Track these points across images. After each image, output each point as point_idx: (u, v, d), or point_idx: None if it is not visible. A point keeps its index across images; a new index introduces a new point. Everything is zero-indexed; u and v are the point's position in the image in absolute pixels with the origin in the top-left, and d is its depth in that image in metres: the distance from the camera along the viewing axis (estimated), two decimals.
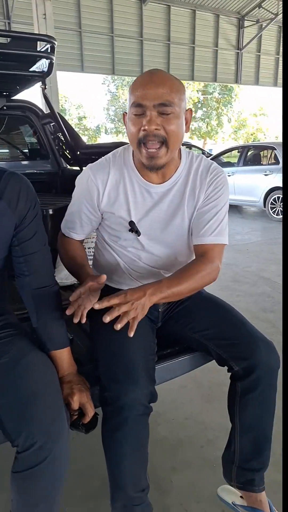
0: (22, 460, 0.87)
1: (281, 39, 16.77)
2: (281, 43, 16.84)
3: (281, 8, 14.82)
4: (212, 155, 9.94)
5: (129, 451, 1.04)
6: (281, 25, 16.35)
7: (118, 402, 1.03)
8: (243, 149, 8.11)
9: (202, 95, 29.11)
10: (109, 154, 1.29)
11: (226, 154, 9.13)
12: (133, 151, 1.25)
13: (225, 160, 9.23)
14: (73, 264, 1.24)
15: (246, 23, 15.61)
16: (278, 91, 19.16)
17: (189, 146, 14.27)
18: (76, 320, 1.00)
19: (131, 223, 1.24)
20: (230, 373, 1.24)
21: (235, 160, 8.18)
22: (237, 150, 8.46)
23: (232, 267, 4.40)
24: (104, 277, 1.03)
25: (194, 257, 1.29)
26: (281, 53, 17.04)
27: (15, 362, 1.00)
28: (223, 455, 1.31)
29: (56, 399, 0.97)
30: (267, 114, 32.12)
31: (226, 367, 1.24)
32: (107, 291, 1.28)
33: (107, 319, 0.95)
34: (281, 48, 16.93)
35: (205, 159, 1.30)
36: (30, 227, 1.06)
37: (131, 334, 0.98)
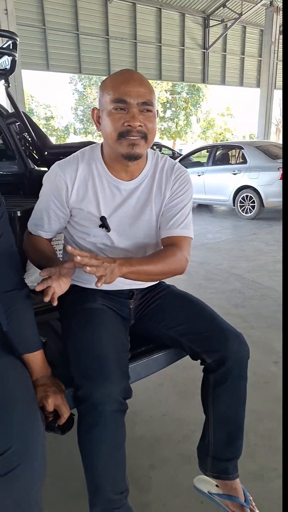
0: None
1: (245, 39, 17.13)
2: (246, 44, 17.21)
3: (245, 8, 15.14)
4: (182, 155, 10.02)
5: (105, 450, 1.04)
6: (245, 25, 16.70)
7: (91, 399, 1.02)
8: (211, 149, 8.20)
9: (170, 95, 29.32)
10: (76, 152, 1.30)
11: (195, 154, 9.23)
12: (101, 149, 1.27)
13: (195, 159, 9.33)
14: (42, 257, 1.22)
15: (212, 23, 15.79)
16: (244, 91, 19.56)
17: (160, 146, 14.33)
18: (46, 299, 0.99)
19: (102, 218, 1.26)
20: (203, 367, 1.27)
21: (205, 160, 8.28)
22: (206, 150, 8.55)
23: (204, 265, 4.46)
24: (77, 252, 1.00)
25: None
26: (246, 53, 17.39)
27: None
28: (198, 447, 1.35)
29: (30, 403, 0.96)
30: (233, 114, 32.72)
31: (199, 361, 1.26)
32: (75, 292, 1.28)
33: (87, 269, 0.97)
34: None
35: (169, 159, 1.35)
36: None
37: (99, 284, 0.99)
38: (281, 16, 14.17)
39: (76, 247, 1.32)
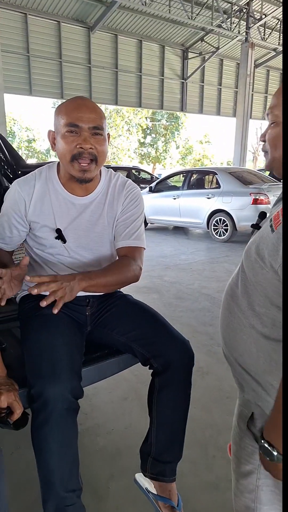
0: None
1: (222, 71, 17.91)
2: (223, 75, 17.98)
3: (222, 43, 15.92)
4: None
5: (56, 447, 1.09)
6: (222, 58, 17.50)
7: (42, 397, 1.08)
8: (187, 174, 8.46)
9: (150, 121, 30.11)
10: (34, 171, 1.41)
11: (173, 178, 9.48)
12: (57, 168, 1.37)
13: (172, 183, 9.58)
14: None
15: (190, 55, 16.52)
16: (221, 120, 20.26)
17: (138, 170, 14.62)
18: None
19: (58, 230, 1.35)
20: (151, 371, 1.33)
21: (180, 184, 8.53)
22: (182, 175, 8.81)
23: (176, 285, 4.57)
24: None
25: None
26: (223, 84, 18.15)
27: None
28: (141, 448, 1.39)
29: None
30: (211, 141, 33.75)
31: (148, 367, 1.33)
32: (34, 299, 1.35)
33: (43, 303, 1.06)
34: (228, 79, 18.05)
35: (122, 176, 1.46)
36: None
37: (55, 311, 1.09)
38: (255, 52, 14.97)
39: (36, 258, 1.40)
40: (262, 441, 0.79)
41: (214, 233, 7.44)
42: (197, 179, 8.41)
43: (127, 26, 14.07)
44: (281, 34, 15.42)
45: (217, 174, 7.56)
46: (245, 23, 14.26)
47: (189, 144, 32.48)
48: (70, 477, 1.12)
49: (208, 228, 7.58)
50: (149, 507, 1.49)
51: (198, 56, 16.54)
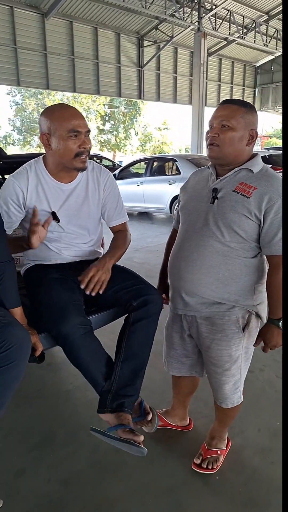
0: None
1: (177, 59, 18.25)
2: (178, 64, 18.32)
3: (175, 31, 16.23)
4: (121, 166, 10.56)
5: (88, 358, 1.53)
6: (177, 46, 17.82)
7: (61, 335, 1.48)
8: (149, 161, 8.82)
9: (109, 108, 30.03)
10: (24, 165, 1.74)
11: (134, 166, 9.82)
12: (44, 161, 1.72)
13: (134, 171, 9.92)
14: (12, 241, 1.65)
15: (146, 43, 16.73)
16: (178, 108, 20.59)
17: (100, 158, 14.79)
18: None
19: (53, 213, 1.71)
20: (128, 314, 1.68)
21: (143, 171, 8.88)
22: (144, 162, 9.16)
23: (145, 265, 4.98)
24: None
25: (101, 233, 1.94)
26: (178, 73, 18.50)
27: None
28: (101, 389, 1.57)
29: (24, 327, 1.42)
30: (170, 128, 34.16)
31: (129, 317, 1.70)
32: (38, 269, 1.76)
33: (93, 294, 1.60)
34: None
35: (94, 162, 1.85)
36: None
37: (101, 291, 1.61)
38: (207, 41, 15.41)
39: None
40: (276, 321, 1.51)
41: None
42: (159, 166, 8.79)
43: (82, 13, 14.05)
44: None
45: (177, 161, 7.98)
46: (197, 13, 14.62)
47: (148, 131, 32.75)
48: (108, 369, 1.57)
49: (171, 213, 8.01)
50: None
51: (153, 44, 16.78)
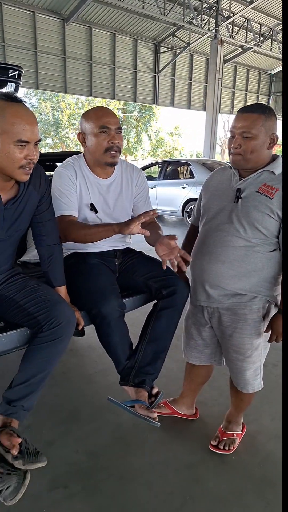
0: (44, 337, 1.41)
1: (193, 66, 18.42)
2: (193, 70, 18.49)
3: (192, 38, 16.41)
4: None
5: (117, 339, 1.65)
6: (193, 53, 18.00)
7: (100, 314, 1.61)
8: (163, 165, 8.99)
9: (122, 113, 30.30)
10: (68, 159, 1.87)
11: (147, 170, 9.98)
12: (84, 158, 1.86)
13: (147, 174, 10.06)
14: (90, 227, 1.73)
15: (162, 49, 16.94)
16: (191, 114, 20.74)
17: None
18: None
19: (91, 204, 1.85)
20: (157, 300, 1.81)
21: (156, 175, 9.02)
22: (157, 166, 9.30)
23: None
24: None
25: None
26: (193, 79, 18.68)
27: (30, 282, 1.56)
28: (125, 364, 1.70)
29: (69, 305, 1.54)
30: (181, 134, 34.30)
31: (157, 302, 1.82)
32: (76, 256, 1.88)
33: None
34: (193, 73, 18.57)
35: (128, 162, 2.00)
36: (47, 202, 1.59)
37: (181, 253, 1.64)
38: (224, 48, 15.56)
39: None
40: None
41: (188, 220, 8.01)
42: (172, 170, 8.95)
43: (101, 19, 14.31)
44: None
45: (191, 165, 8.13)
46: (215, 20, 14.79)
47: (160, 136, 32.94)
48: (130, 352, 1.70)
49: (183, 216, 8.16)
50: None
51: (169, 50, 16.97)
